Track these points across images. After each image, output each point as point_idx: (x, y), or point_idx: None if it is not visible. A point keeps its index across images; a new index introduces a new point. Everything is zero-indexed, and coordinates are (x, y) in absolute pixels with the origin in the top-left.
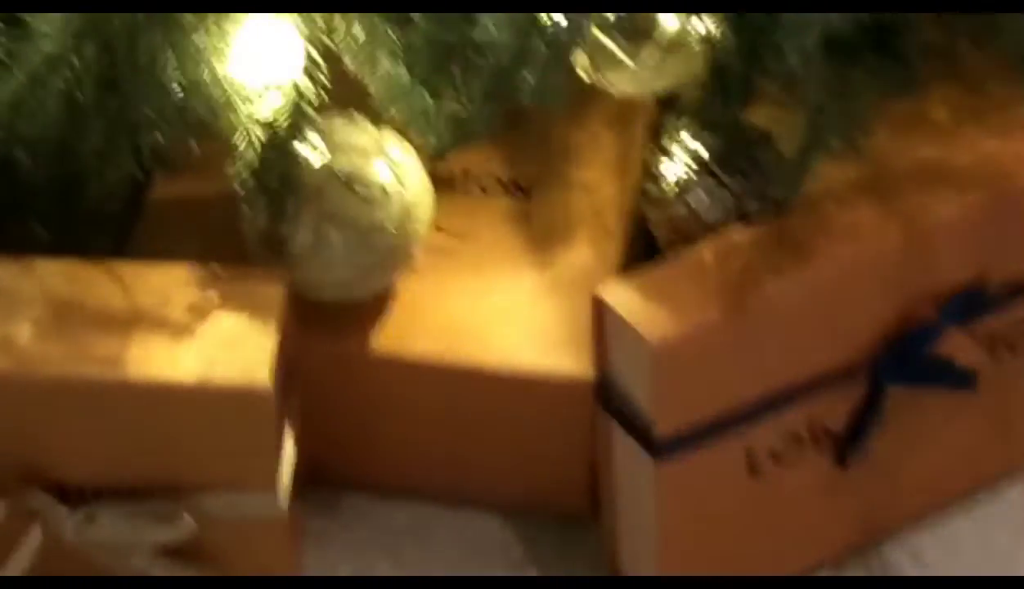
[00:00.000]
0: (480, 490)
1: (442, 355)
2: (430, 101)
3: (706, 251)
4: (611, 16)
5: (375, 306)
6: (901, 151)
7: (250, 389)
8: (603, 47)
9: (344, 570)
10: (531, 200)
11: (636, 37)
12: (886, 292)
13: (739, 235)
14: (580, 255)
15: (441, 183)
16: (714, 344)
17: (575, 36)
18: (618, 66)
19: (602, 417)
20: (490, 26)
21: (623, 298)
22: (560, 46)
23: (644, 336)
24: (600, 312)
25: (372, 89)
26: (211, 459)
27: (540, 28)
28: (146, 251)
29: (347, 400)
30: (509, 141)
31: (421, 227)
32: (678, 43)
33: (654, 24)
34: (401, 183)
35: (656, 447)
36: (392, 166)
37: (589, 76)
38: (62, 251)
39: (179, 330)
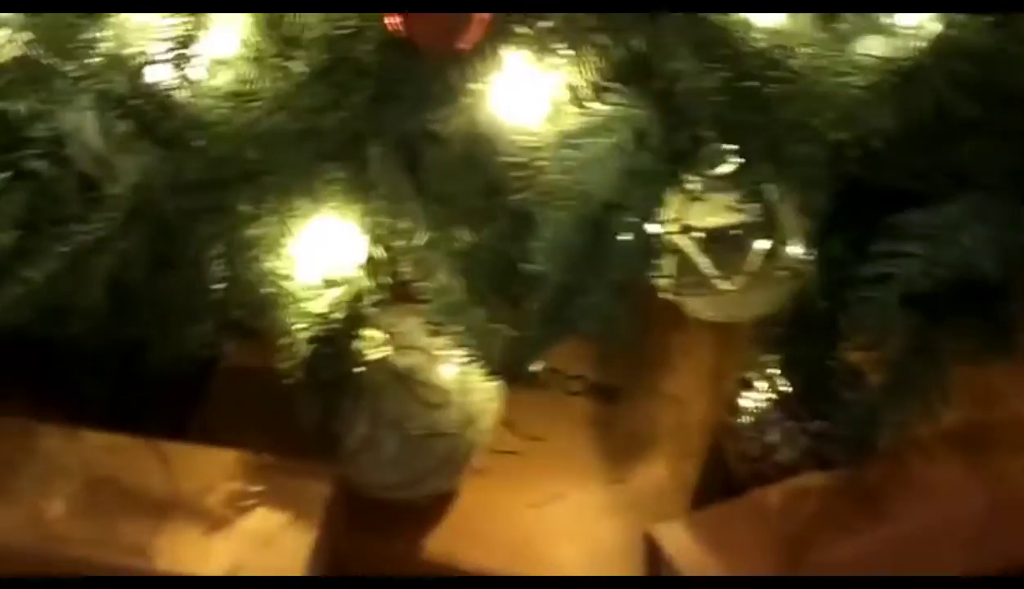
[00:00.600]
0: None
1: (495, 570)
2: (485, 321)
3: (772, 495)
4: (703, 234)
5: (433, 507)
6: (1001, 397)
7: None
8: (689, 268)
9: None
10: (615, 406)
11: (726, 261)
12: (968, 557)
13: (811, 481)
14: (656, 473)
15: (531, 382)
16: None
17: (645, 262)
18: (701, 290)
19: None
20: (539, 258)
21: (675, 539)
22: (628, 273)
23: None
24: (653, 549)
25: (428, 300)
26: None
27: (599, 259)
28: (213, 420)
29: None
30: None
31: (485, 434)
32: (765, 273)
33: (747, 250)
34: (466, 387)
35: None
36: (459, 368)
37: (667, 295)
38: (126, 414)
39: (215, 522)
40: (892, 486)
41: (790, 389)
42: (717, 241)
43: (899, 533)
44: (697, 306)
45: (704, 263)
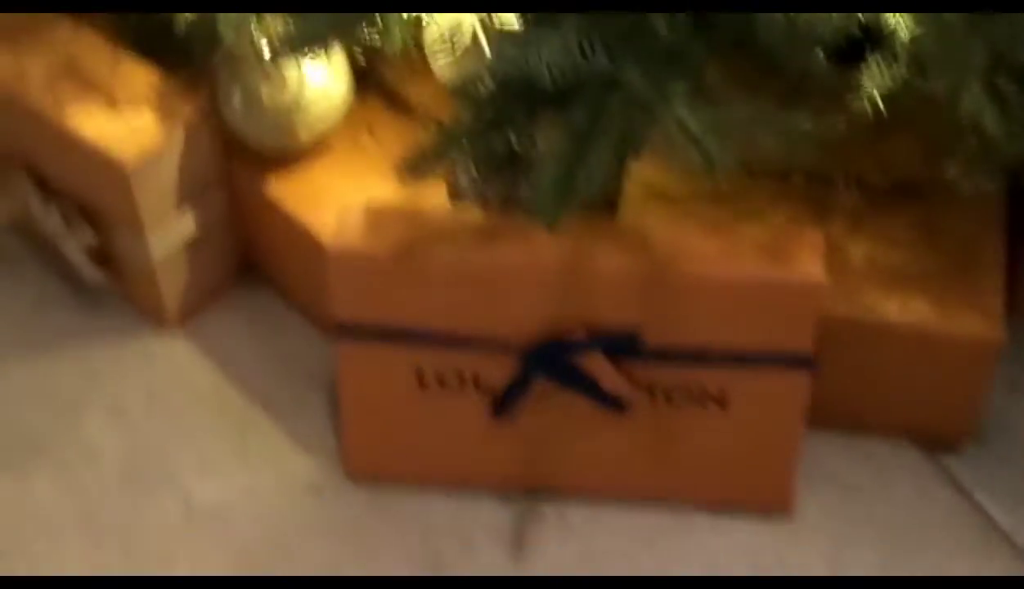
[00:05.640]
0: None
1: (305, 219)
2: None
3: (432, 211)
4: None
5: (291, 166)
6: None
7: (116, 160)
8: None
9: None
10: None
11: None
12: (544, 302)
13: (464, 213)
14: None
15: (402, 107)
16: (384, 271)
17: None
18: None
19: None
20: None
21: (346, 216)
22: None
23: (331, 244)
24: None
25: None
26: (107, 203)
27: None
28: None
29: (260, 221)
30: None
31: (318, 122)
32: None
33: None
34: (305, 82)
35: (335, 328)
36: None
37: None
38: None
39: (119, 112)
40: (506, 234)
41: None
42: None
43: (494, 263)
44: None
45: None
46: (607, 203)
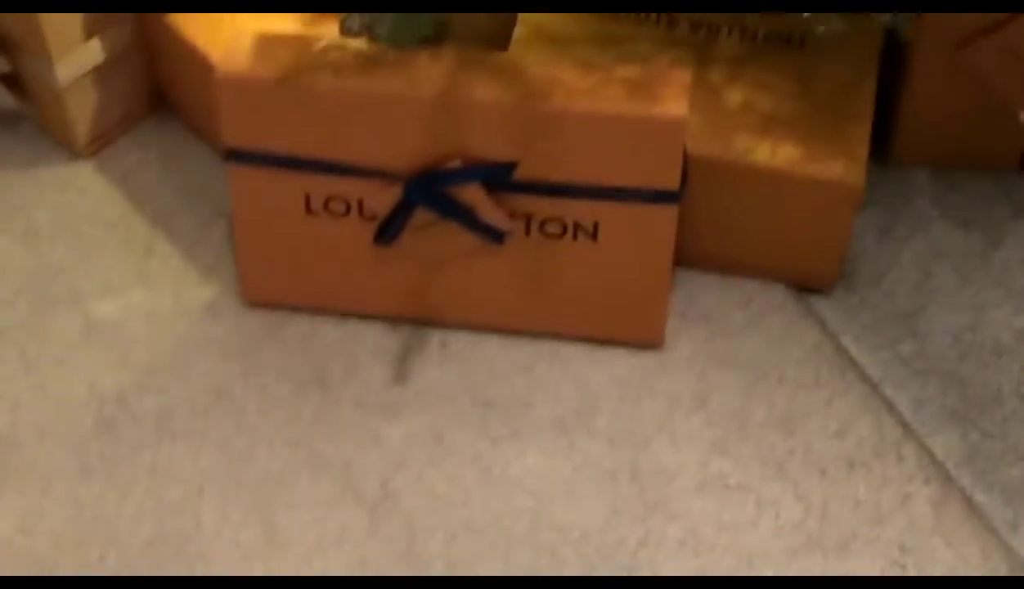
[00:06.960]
0: None
1: (205, 48)
2: None
3: (320, 40)
4: None
5: None
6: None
7: None
8: None
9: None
10: None
11: None
12: (423, 132)
13: (351, 44)
14: None
15: None
16: (269, 94)
17: None
18: None
19: None
20: None
21: (242, 40)
22: None
23: (219, 68)
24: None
25: None
26: (16, 29)
27: None
28: None
29: (166, 51)
30: None
31: None
32: None
33: None
34: None
35: (226, 152)
36: None
37: None
38: None
39: None
40: (392, 67)
41: None
42: None
43: (369, 94)
44: None
45: None
46: (496, 41)
